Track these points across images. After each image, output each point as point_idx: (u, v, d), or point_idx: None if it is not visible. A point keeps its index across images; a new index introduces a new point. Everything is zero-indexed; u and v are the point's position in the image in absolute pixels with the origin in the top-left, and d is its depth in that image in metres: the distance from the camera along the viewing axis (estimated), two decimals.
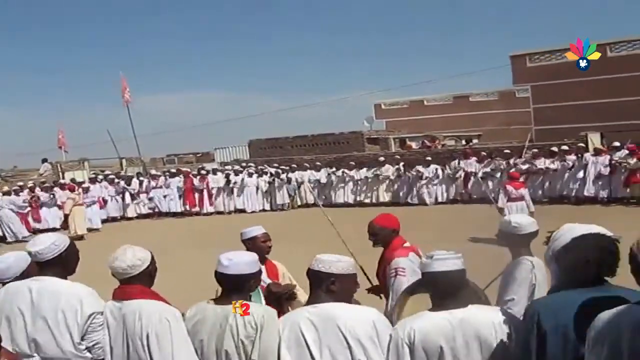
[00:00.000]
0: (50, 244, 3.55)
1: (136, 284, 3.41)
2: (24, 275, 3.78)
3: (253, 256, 3.47)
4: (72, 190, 20.19)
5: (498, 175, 19.63)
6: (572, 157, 18.61)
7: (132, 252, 3.45)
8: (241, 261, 3.33)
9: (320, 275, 3.21)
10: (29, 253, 3.59)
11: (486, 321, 2.93)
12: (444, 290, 3.00)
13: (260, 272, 3.48)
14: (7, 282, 3.81)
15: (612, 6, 76.23)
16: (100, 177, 23.40)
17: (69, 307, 3.38)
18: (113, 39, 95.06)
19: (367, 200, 22.20)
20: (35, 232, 20.17)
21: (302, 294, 4.47)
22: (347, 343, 3.00)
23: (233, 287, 3.29)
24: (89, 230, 19.51)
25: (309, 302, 3.24)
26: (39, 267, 3.59)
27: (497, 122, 39.26)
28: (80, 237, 17.85)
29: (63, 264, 3.58)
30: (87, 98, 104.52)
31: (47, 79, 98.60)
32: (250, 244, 4.96)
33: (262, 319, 3.13)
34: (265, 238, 5.06)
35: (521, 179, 14.97)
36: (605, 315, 2.38)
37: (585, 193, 18.15)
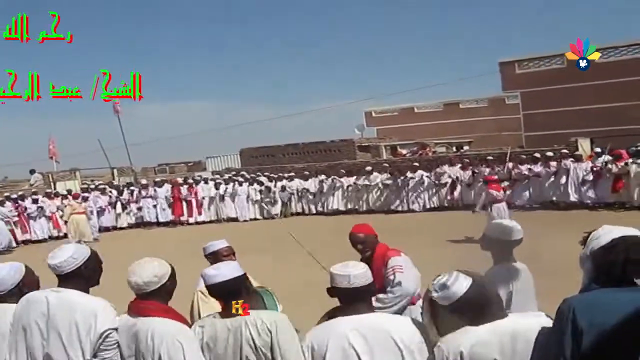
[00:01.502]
0: (68, 257, 3.48)
1: (152, 299, 3.35)
2: (20, 287, 3.73)
3: (234, 262, 3.53)
4: (75, 198, 20.25)
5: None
6: (554, 163, 18.71)
7: (151, 268, 3.38)
8: (226, 268, 3.36)
9: (361, 290, 3.17)
10: (49, 266, 3.51)
11: (531, 327, 2.83)
12: (478, 307, 2.83)
13: (245, 274, 3.46)
14: (2, 295, 3.76)
15: (601, 13, 76.77)
16: (92, 186, 23.37)
17: (82, 322, 3.33)
18: (103, 48, 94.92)
19: (358, 208, 22.20)
20: (25, 242, 20.14)
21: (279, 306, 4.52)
22: (402, 355, 2.97)
23: (229, 294, 3.29)
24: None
25: (345, 313, 3.17)
26: (59, 279, 3.53)
27: (488, 129, 39.44)
28: None
29: (83, 277, 3.51)
30: (77, 107, 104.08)
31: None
32: (212, 259, 4.83)
33: (275, 324, 3.16)
34: (228, 252, 4.98)
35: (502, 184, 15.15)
36: None
37: (571, 198, 18.21)
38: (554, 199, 18.70)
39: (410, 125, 42.85)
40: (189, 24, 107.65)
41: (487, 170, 19.57)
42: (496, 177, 15.63)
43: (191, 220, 23.19)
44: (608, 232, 2.93)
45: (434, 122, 43.02)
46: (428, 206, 21.13)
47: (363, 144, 30.73)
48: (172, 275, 3.47)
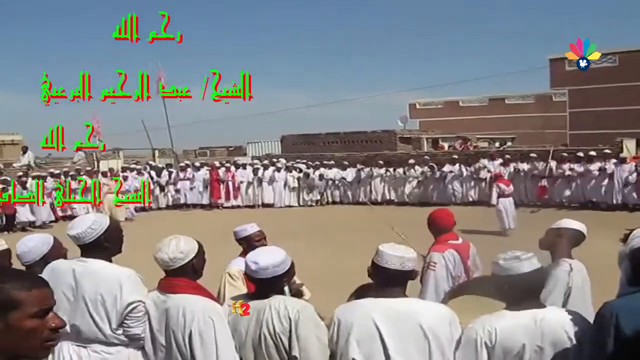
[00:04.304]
0: (86, 228, 3.46)
1: (181, 276, 3.34)
2: (45, 259, 3.79)
3: (281, 255, 3.38)
4: (105, 176, 20.55)
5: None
6: (597, 164, 18.33)
7: (175, 244, 3.36)
8: (270, 264, 3.27)
9: (406, 273, 3.14)
10: (69, 236, 3.51)
11: (562, 323, 2.85)
12: (528, 291, 2.91)
13: (291, 267, 3.43)
14: (29, 265, 3.85)
15: None
16: (130, 166, 23.62)
17: (108, 292, 3.35)
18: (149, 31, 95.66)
19: (394, 199, 22.12)
20: (64, 219, 20.40)
21: (307, 292, 4.46)
22: (428, 341, 2.93)
23: (266, 287, 3.28)
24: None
25: (378, 295, 3.14)
26: (81, 249, 3.53)
27: (533, 126, 38.85)
28: None
29: (104, 247, 3.51)
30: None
31: (83, 67, 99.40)
32: (245, 243, 4.84)
33: (297, 313, 3.12)
34: (259, 236, 4.90)
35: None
36: None
37: (612, 200, 17.90)
38: (594, 199, 18.35)
39: (454, 119, 42.49)
40: (233, 7, 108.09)
41: (527, 167, 19.67)
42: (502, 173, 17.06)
43: (227, 204, 23.24)
44: None
45: (479, 116, 42.58)
46: (466, 200, 20.98)
47: (405, 136, 30.48)
48: (199, 252, 3.44)
